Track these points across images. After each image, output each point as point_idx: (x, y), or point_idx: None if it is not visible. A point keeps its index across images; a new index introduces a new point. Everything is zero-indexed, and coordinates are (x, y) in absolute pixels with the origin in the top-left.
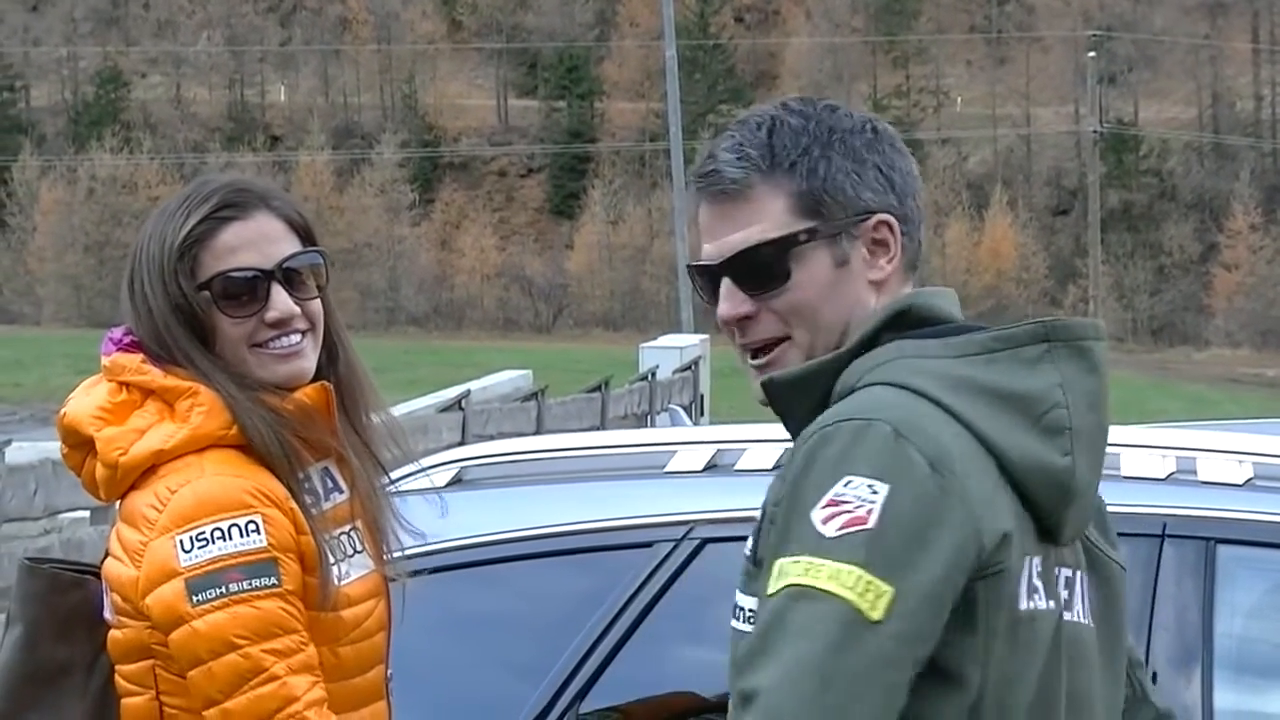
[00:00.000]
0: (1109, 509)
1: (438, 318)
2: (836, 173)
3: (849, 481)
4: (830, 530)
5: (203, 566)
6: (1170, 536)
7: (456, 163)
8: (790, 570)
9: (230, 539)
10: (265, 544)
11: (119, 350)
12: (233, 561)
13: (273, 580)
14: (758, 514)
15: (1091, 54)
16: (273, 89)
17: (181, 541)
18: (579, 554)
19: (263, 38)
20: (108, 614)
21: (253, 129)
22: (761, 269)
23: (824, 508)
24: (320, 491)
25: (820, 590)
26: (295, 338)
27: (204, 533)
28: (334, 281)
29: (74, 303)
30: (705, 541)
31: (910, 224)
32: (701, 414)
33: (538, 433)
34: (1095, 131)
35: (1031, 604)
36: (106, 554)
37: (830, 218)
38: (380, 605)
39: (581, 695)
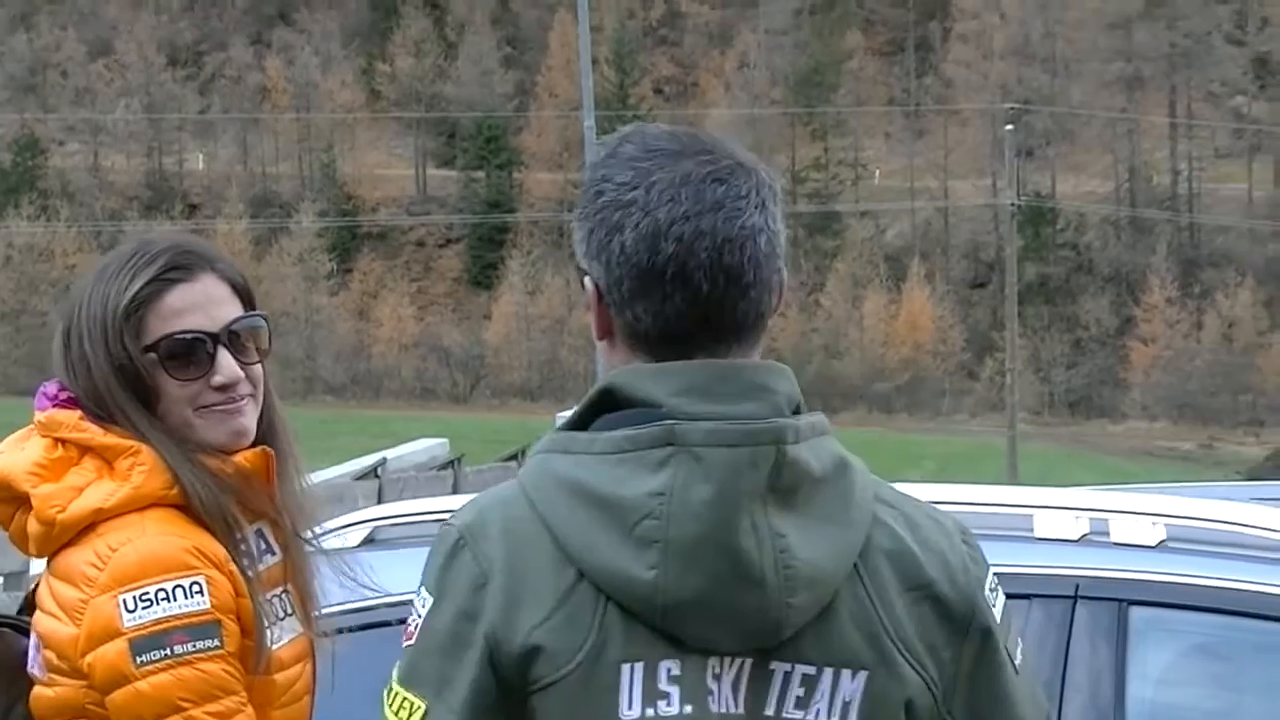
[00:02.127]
0: (1023, 569)
1: (355, 387)
2: (576, 226)
3: (418, 592)
4: (403, 644)
5: (147, 627)
6: (1083, 598)
7: (375, 232)
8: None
9: (174, 600)
10: (209, 605)
11: (55, 406)
12: (177, 623)
13: (215, 642)
14: None
15: (1009, 127)
16: (191, 157)
17: (125, 601)
18: None
19: (181, 106)
20: (36, 671)
21: (170, 197)
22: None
23: (407, 621)
24: (255, 553)
25: (383, 705)
26: (240, 403)
27: (148, 593)
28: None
29: None
30: None
31: (612, 298)
32: None
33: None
34: (1013, 204)
35: (647, 710)
36: (33, 608)
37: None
38: (308, 667)
39: None
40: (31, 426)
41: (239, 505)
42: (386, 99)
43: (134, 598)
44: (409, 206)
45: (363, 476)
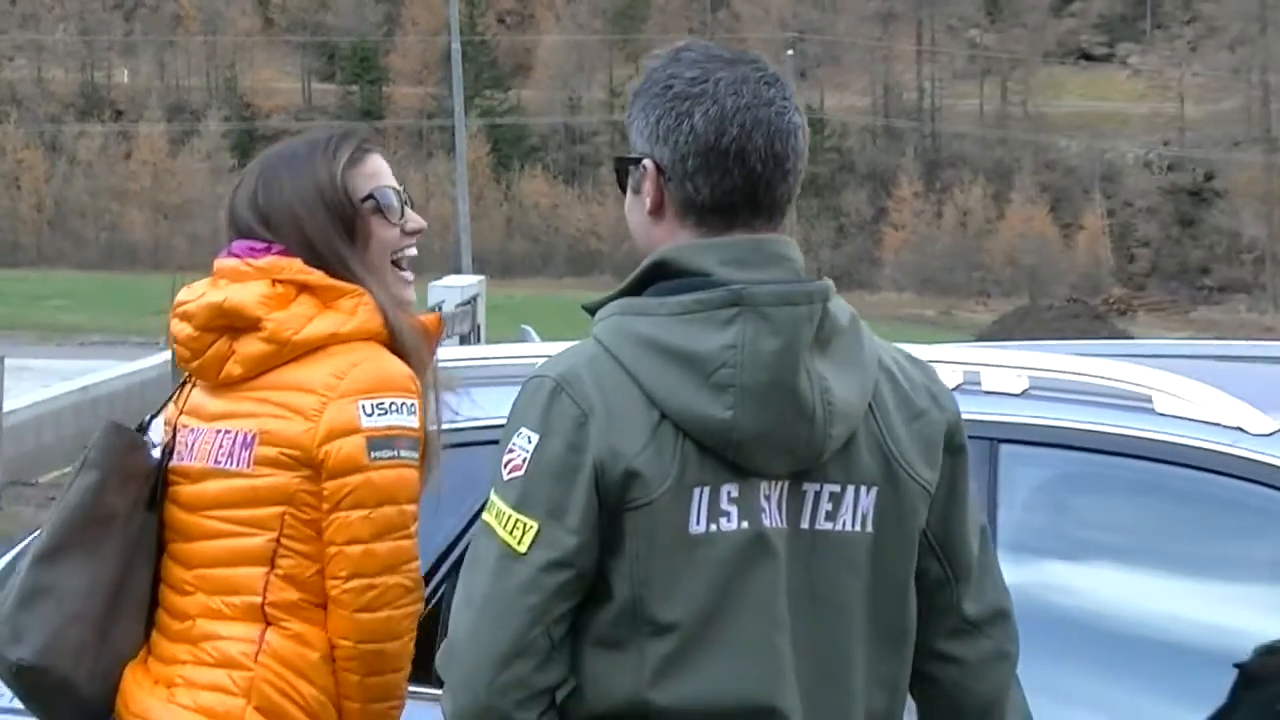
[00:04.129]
0: None
1: None
2: (632, 120)
3: (519, 432)
4: (505, 475)
5: (380, 430)
6: None
7: (269, 135)
8: (488, 505)
9: (400, 413)
10: (418, 425)
11: (273, 255)
12: (401, 432)
13: (417, 455)
14: None
15: (790, 52)
16: (118, 72)
17: (364, 406)
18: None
19: (109, 29)
20: (233, 466)
21: (101, 105)
22: (617, 177)
23: (505, 454)
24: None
25: (490, 528)
26: (412, 257)
27: (383, 403)
28: (170, 232)
29: None
30: None
31: (676, 174)
32: (479, 340)
33: None
34: None
35: (710, 527)
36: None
37: (630, 151)
38: None
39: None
40: (214, 275)
41: (424, 352)
42: (279, 25)
43: (371, 404)
44: (297, 114)
45: None
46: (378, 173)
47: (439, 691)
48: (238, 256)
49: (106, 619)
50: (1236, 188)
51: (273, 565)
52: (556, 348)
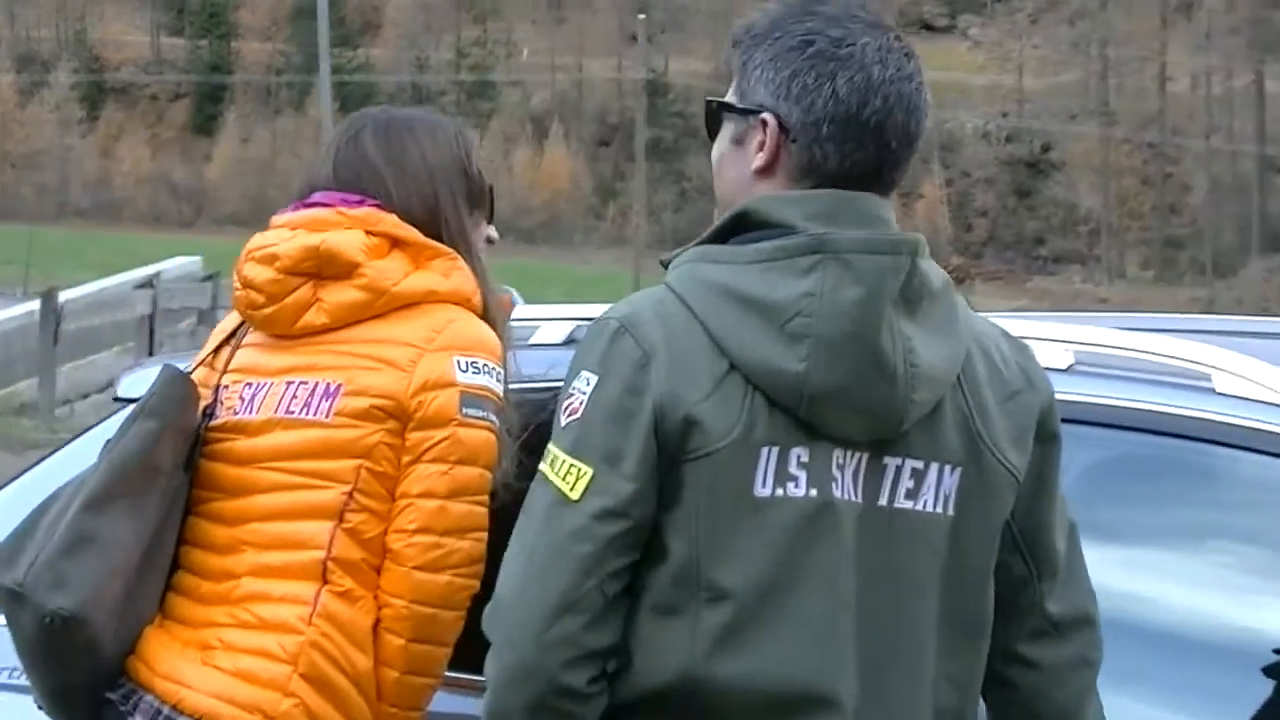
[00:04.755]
0: None
1: (99, 212)
2: (755, 67)
3: (579, 375)
4: (563, 419)
5: (473, 388)
6: None
7: (118, 88)
8: (546, 454)
9: (491, 376)
10: (501, 393)
11: (368, 207)
12: (491, 394)
13: (499, 424)
14: None
15: (642, 16)
16: None
17: (459, 362)
18: None
19: None
20: (310, 415)
21: None
22: (707, 123)
23: (565, 399)
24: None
25: (544, 475)
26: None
27: (477, 363)
28: (17, 181)
29: None
30: None
31: (804, 136)
32: None
33: (215, 308)
34: (645, 79)
35: (777, 491)
36: (271, 372)
37: (741, 101)
38: None
39: None
40: (293, 222)
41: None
42: None
43: (467, 361)
44: (145, 67)
45: (141, 286)
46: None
47: (469, 676)
48: (326, 206)
49: (138, 578)
50: (1073, 160)
51: (341, 519)
52: (542, 310)
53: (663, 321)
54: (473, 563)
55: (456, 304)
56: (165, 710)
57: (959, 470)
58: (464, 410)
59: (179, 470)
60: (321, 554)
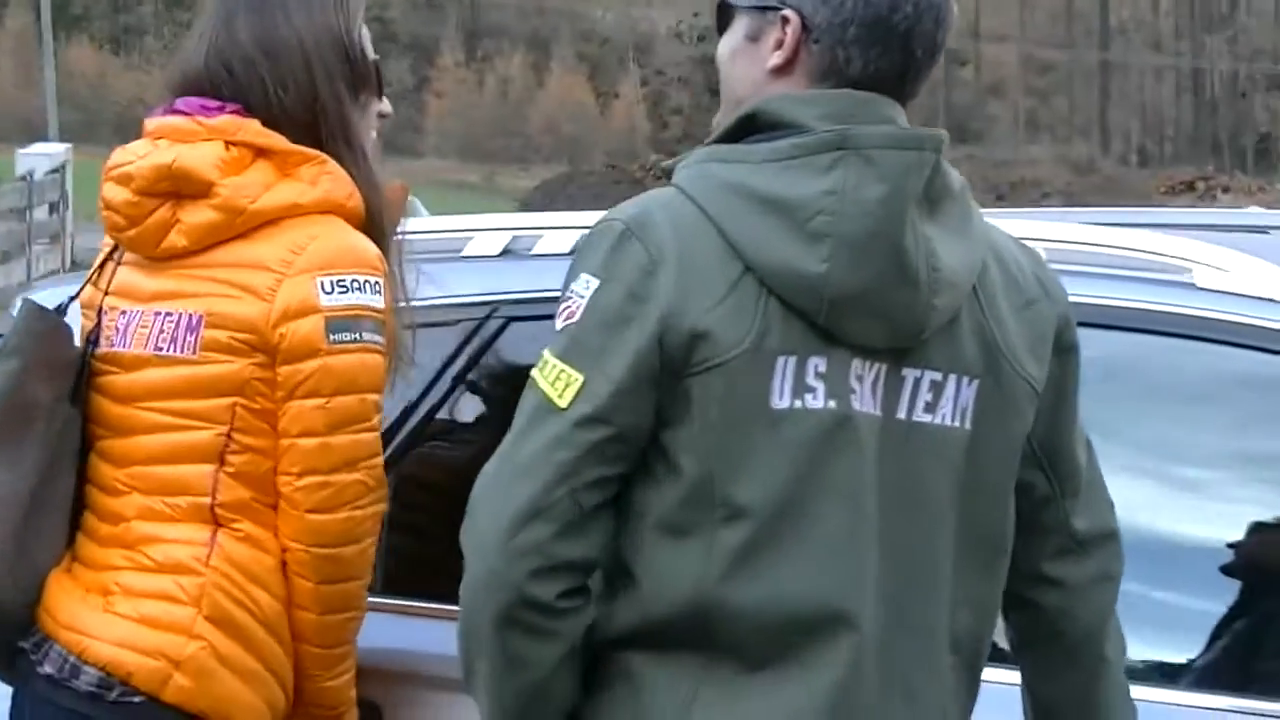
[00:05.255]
0: None
1: None
2: None
3: (578, 278)
4: (559, 324)
5: (340, 310)
6: None
7: None
8: (538, 361)
9: (364, 291)
10: (383, 305)
11: (227, 114)
12: (364, 312)
13: (382, 340)
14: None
15: None
16: None
17: (322, 283)
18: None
19: None
20: (175, 351)
21: None
22: (718, 18)
23: (562, 303)
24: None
25: (534, 380)
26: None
27: (344, 280)
28: None
29: None
30: (510, 320)
31: (825, 36)
32: (67, 208)
33: None
34: None
35: (795, 403)
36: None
37: None
38: None
39: (391, 462)
40: (155, 135)
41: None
42: None
43: (332, 281)
44: None
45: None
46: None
47: (403, 602)
48: (184, 114)
49: (26, 525)
50: None
51: (222, 462)
52: (444, 221)
53: (673, 224)
54: (370, 491)
55: (329, 212)
56: (71, 659)
57: (976, 382)
58: (331, 337)
59: (63, 404)
60: (206, 499)
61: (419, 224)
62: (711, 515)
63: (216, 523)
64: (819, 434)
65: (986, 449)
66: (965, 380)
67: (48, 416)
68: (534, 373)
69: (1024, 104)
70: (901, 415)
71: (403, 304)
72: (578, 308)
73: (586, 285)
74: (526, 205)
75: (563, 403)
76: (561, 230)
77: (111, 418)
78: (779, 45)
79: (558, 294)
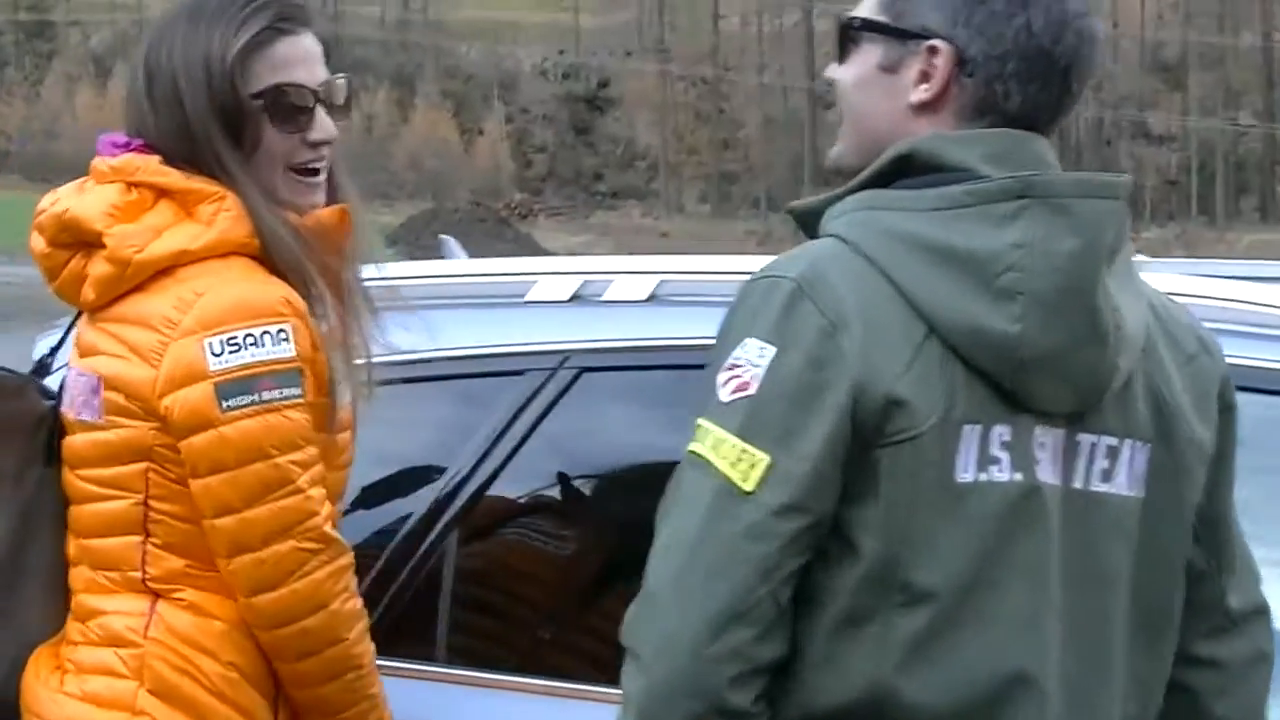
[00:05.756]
0: None
1: None
2: None
3: (745, 344)
4: (725, 395)
5: (233, 372)
6: None
7: None
8: (696, 433)
9: (262, 345)
10: (294, 353)
11: (130, 152)
12: (264, 369)
13: (299, 391)
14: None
15: None
16: None
17: (210, 344)
18: (449, 380)
19: None
20: (87, 415)
21: None
22: (838, 40)
23: (725, 370)
24: (320, 314)
25: (704, 459)
26: (322, 164)
27: (235, 337)
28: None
29: None
30: (582, 371)
31: (981, 69)
32: None
33: None
34: None
35: (980, 476)
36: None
37: (895, 22)
38: (351, 436)
39: (457, 520)
40: (86, 177)
41: (315, 261)
42: None
43: (221, 341)
44: None
45: None
46: (288, 62)
47: (470, 673)
48: (100, 155)
49: (2, 596)
50: (631, 96)
51: (147, 533)
52: (485, 264)
53: (850, 283)
54: (314, 555)
55: (233, 253)
56: None
57: (1149, 446)
58: (224, 404)
59: (34, 466)
60: (137, 574)
61: (471, 266)
62: (889, 600)
63: (154, 595)
64: (1006, 508)
65: (1160, 518)
66: (1139, 445)
67: (14, 481)
68: (699, 450)
69: None
70: (1078, 484)
71: (356, 336)
72: (752, 378)
73: (760, 353)
74: (393, 241)
75: (748, 486)
76: (633, 275)
77: (67, 484)
78: (924, 78)
79: (635, 343)
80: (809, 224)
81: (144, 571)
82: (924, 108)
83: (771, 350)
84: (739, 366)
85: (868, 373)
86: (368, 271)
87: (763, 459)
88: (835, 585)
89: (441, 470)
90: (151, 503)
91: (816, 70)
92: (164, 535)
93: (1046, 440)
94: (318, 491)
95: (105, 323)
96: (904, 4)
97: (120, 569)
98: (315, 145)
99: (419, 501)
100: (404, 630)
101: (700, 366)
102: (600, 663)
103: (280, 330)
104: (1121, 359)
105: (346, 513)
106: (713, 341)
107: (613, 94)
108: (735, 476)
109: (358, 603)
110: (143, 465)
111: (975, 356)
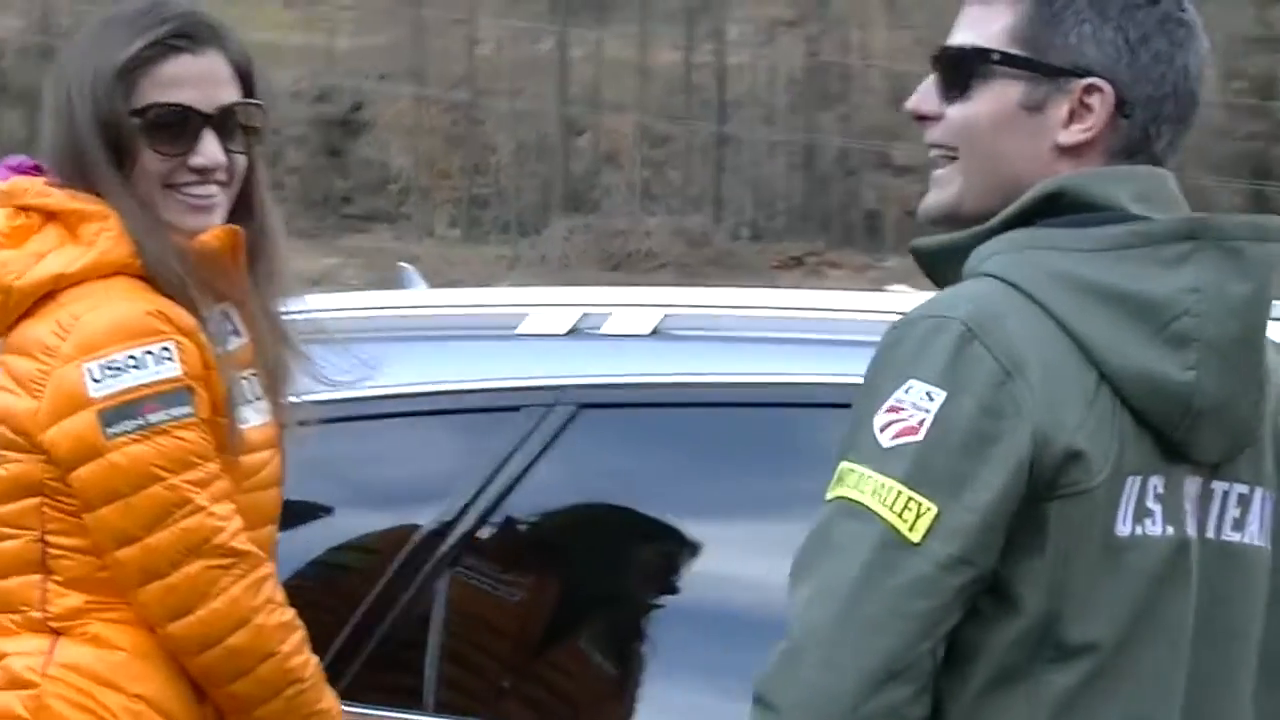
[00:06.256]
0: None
1: None
2: (1069, 15)
3: (910, 387)
4: (886, 439)
5: (116, 397)
6: None
7: None
8: (845, 478)
9: (145, 367)
10: (180, 372)
11: (18, 175)
12: (148, 391)
13: (188, 409)
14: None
15: None
16: None
17: (90, 370)
18: (442, 415)
19: None
20: None
21: None
22: (951, 72)
23: (885, 413)
24: (222, 333)
25: (862, 506)
26: (212, 189)
27: (115, 361)
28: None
29: None
30: (580, 407)
31: (1140, 110)
32: None
33: None
34: None
35: (1136, 529)
36: None
37: (1039, 56)
38: (276, 458)
39: (446, 563)
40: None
41: (202, 283)
42: None
43: (100, 366)
44: None
45: None
46: (176, 82)
47: (397, 715)
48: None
49: None
50: (385, 120)
51: (47, 570)
52: (451, 295)
53: (1018, 324)
54: (227, 570)
55: (117, 274)
56: None
57: (1272, 496)
58: (108, 431)
59: None
60: (39, 615)
61: (450, 297)
62: (1039, 656)
63: (56, 634)
64: (1160, 564)
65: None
66: (1267, 494)
67: None
68: (855, 495)
69: (640, 174)
70: (1210, 534)
71: (284, 400)
72: (919, 423)
73: (929, 397)
74: None
75: (914, 536)
76: (635, 308)
77: None
78: (1076, 117)
79: (638, 379)
80: (936, 265)
81: (44, 611)
82: (1073, 149)
83: (941, 394)
84: (902, 409)
85: (1049, 422)
86: (318, 303)
87: (931, 508)
88: (989, 642)
89: (432, 509)
90: (49, 538)
91: (569, 96)
92: (65, 571)
93: (1190, 490)
94: (222, 508)
95: (3, 353)
96: (1049, 37)
97: (20, 610)
98: (199, 171)
99: (407, 542)
100: (389, 677)
101: (710, 405)
102: (594, 712)
103: (163, 349)
104: (1269, 405)
105: (335, 549)
106: (722, 378)
107: (366, 117)
108: (901, 526)
109: (286, 614)
110: (36, 500)
111: (1146, 405)
